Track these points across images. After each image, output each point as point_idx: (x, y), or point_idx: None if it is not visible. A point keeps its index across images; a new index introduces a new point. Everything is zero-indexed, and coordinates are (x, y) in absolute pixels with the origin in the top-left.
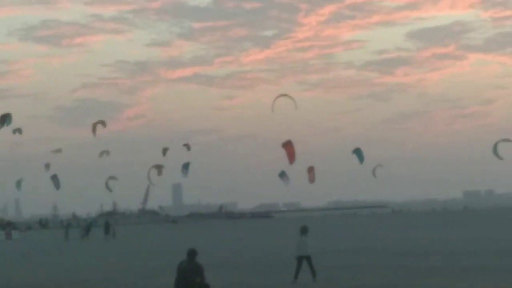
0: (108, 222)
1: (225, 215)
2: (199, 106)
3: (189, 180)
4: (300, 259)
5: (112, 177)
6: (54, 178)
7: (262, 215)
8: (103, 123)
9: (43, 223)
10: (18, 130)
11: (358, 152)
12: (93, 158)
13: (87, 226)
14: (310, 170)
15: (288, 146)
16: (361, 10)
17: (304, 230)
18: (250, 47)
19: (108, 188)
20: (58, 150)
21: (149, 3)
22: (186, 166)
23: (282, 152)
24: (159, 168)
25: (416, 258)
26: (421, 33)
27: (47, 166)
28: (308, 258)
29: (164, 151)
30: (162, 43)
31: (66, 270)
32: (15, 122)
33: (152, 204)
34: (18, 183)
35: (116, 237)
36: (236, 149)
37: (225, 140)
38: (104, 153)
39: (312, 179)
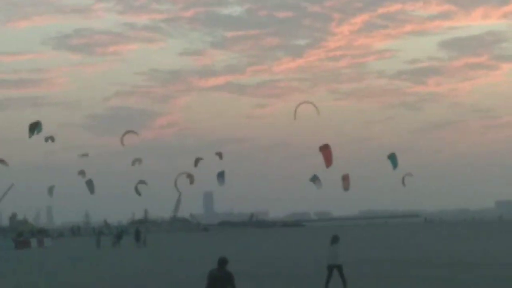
0: (138, 229)
1: (256, 224)
2: (231, 115)
3: (221, 188)
4: (330, 268)
5: (142, 181)
6: (89, 183)
7: (293, 224)
8: (135, 133)
9: (75, 231)
10: (50, 138)
11: (392, 157)
12: (126, 166)
13: (118, 234)
14: (345, 178)
15: (325, 149)
16: (393, 19)
17: (335, 239)
18: (282, 56)
19: (137, 192)
20: (85, 154)
21: (182, 12)
22: (221, 175)
23: (318, 157)
24: (190, 177)
25: (450, 269)
26: (453, 42)
27: (82, 172)
28: (339, 268)
29: (196, 161)
30: (195, 52)
31: (97, 278)
32: (49, 130)
33: (183, 212)
34: (50, 190)
35: (147, 245)
36: (268, 157)
37: (257, 148)
38: (137, 161)
39: (347, 187)
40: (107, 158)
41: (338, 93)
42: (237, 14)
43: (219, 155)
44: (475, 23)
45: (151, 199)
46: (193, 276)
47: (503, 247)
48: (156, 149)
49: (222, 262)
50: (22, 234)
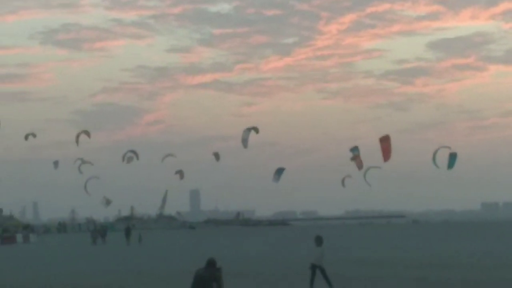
0: (129, 227)
1: (242, 222)
2: (218, 113)
3: (207, 186)
4: (313, 268)
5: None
6: (107, 201)
7: (279, 222)
8: (87, 133)
9: (61, 227)
10: (32, 134)
11: (453, 157)
12: (112, 163)
13: (102, 230)
14: (356, 157)
15: (385, 141)
16: (381, 19)
17: (318, 240)
18: (270, 54)
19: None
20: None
21: (169, 8)
22: (280, 172)
23: (305, 156)
24: (180, 172)
25: (435, 270)
26: (441, 43)
27: (56, 163)
28: (322, 270)
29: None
30: (182, 49)
31: (86, 275)
32: (35, 125)
33: (169, 210)
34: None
35: (142, 242)
36: (255, 156)
37: (243, 147)
38: (133, 157)
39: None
40: (94, 154)
41: (326, 92)
42: (225, 11)
43: (216, 156)
44: (463, 24)
45: (137, 196)
46: (180, 273)
47: (489, 249)
48: (142, 146)
49: (211, 263)
50: (8, 230)
